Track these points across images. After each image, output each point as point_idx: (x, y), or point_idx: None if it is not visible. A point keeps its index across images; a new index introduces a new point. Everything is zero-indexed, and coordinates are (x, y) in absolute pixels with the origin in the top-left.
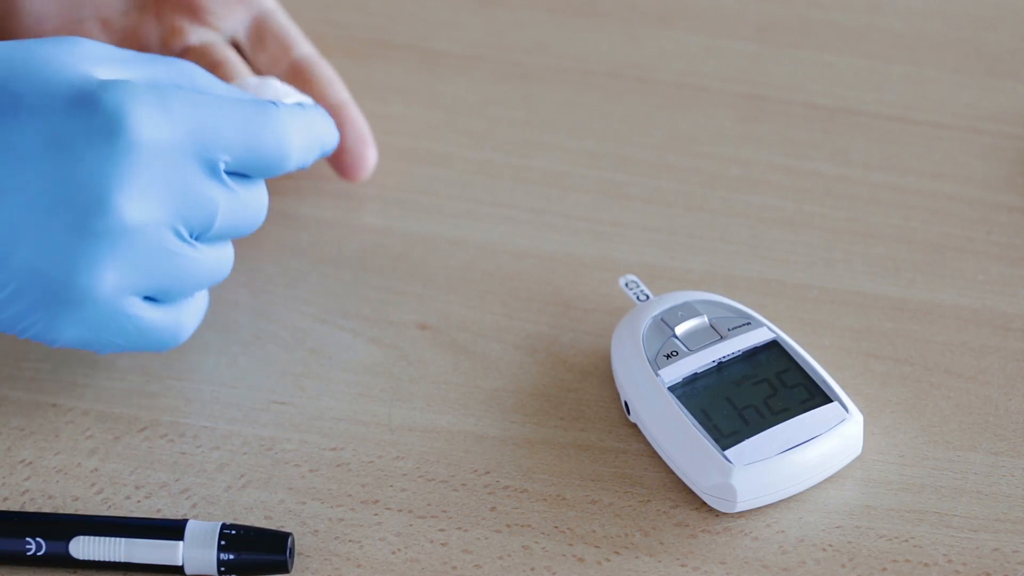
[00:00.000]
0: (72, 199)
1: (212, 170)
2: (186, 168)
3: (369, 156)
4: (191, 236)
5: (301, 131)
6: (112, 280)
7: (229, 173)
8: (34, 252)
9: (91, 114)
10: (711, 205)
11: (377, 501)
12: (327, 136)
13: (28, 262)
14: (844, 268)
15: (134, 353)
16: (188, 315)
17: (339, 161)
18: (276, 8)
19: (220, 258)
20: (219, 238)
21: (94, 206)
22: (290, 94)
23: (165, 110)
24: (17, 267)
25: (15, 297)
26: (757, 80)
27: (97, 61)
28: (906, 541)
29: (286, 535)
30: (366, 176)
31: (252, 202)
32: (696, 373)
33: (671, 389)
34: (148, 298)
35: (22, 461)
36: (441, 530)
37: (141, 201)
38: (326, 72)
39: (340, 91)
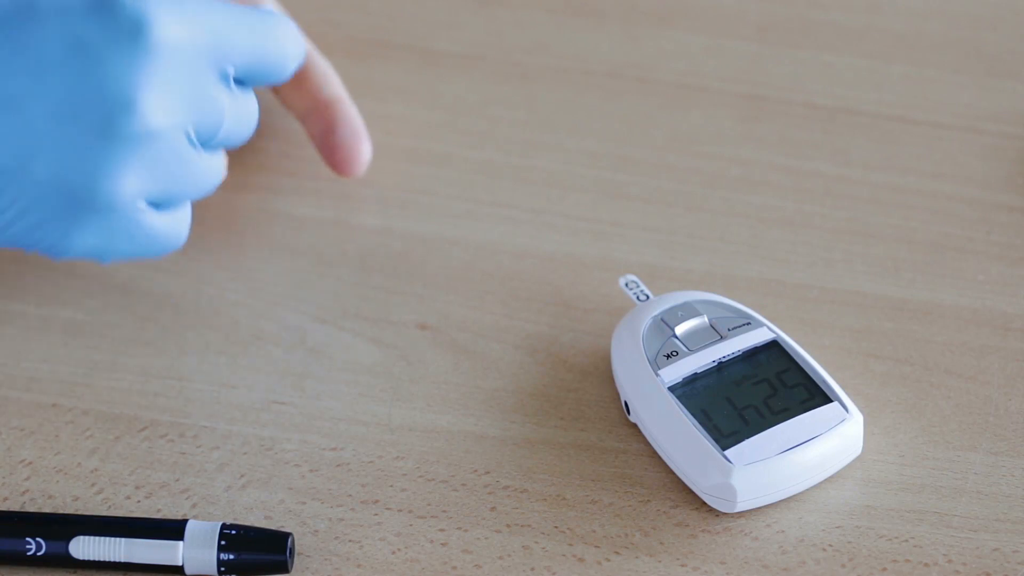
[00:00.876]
0: (96, 102)
1: (223, 75)
2: (201, 72)
3: (363, 151)
4: (199, 141)
5: (296, 43)
6: (132, 184)
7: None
8: (54, 160)
9: (112, 16)
10: (711, 205)
11: (377, 501)
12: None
13: (47, 171)
14: (844, 268)
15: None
16: (184, 220)
17: (333, 156)
18: (272, 5)
19: (216, 166)
20: (218, 145)
21: (119, 108)
22: None
23: (183, 13)
24: (35, 178)
25: (29, 209)
26: (757, 80)
27: None
28: (906, 541)
29: (286, 535)
30: (360, 171)
31: (249, 110)
32: (696, 373)
33: (671, 389)
34: (152, 204)
35: (22, 461)
36: (441, 530)
37: (163, 103)
38: (321, 67)
39: (335, 86)
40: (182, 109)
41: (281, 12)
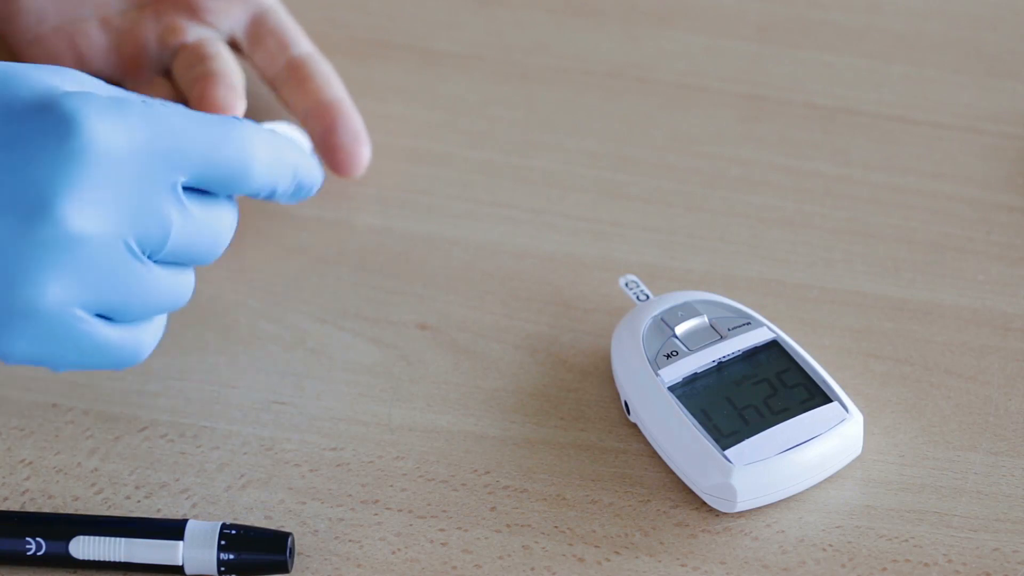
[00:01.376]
0: (17, 203)
1: (168, 185)
2: (141, 180)
3: (363, 153)
4: (145, 254)
5: (266, 149)
6: (57, 292)
7: (190, 190)
8: None
9: (47, 118)
10: (711, 205)
11: (377, 501)
12: (304, 168)
13: None
14: (844, 268)
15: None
16: (146, 335)
17: (332, 157)
18: (276, 5)
19: (177, 283)
20: (176, 260)
21: (38, 211)
22: (287, 130)
23: (123, 119)
24: None
25: None
26: (757, 80)
27: (75, 84)
28: (906, 541)
29: (286, 535)
30: (359, 173)
31: (211, 223)
32: (696, 373)
33: (671, 389)
34: (104, 316)
35: (22, 461)
36: (441, 530)
37: (89, 210)
38: (323, 69)
39: (336, 88)
40: (114, 217)
41: (244, 121)
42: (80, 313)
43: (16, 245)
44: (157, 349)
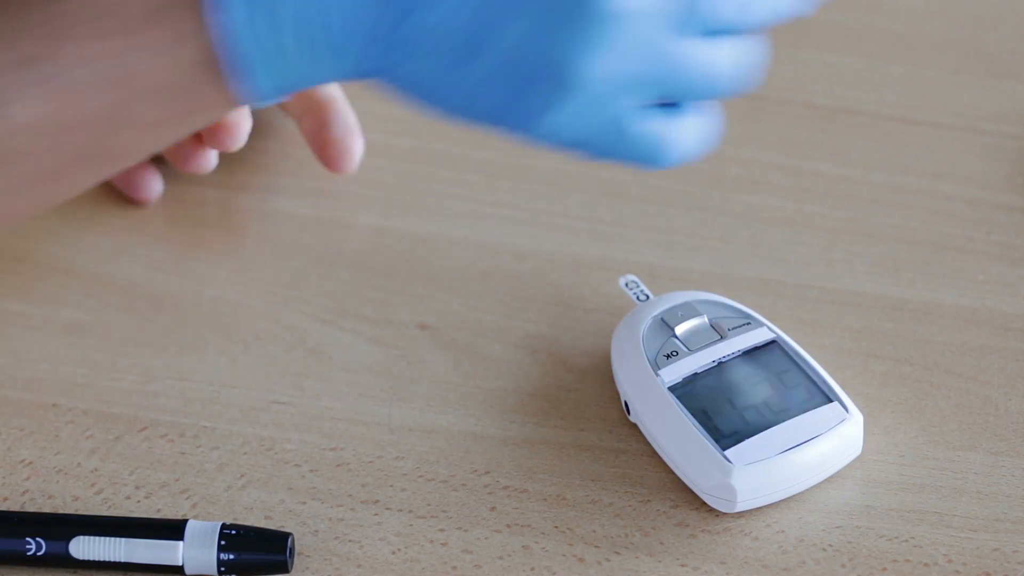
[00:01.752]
0: None
1: None
2: None
3: (355, 147)
4: (690, 30)
5: None
6: (599, 70)
7: None
8: (523, 31)
9: None
10: (711, 205)
11: (377, 501)
12: None
13: (515, 41)
14: (844, 268)
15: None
16: (690, 131)
17: (325, 152)
18: (335, 91)
19: (740, 56)
20: (725, 31)
21: None
22: None
23: None
24: (503, 47)
25: (498, 79)
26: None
27: None
28: (906, 541)
29: (286, 535)
30: (352, 167)
31: None
32: (696, 373)
33: (671, 389)
34: (654, 105)
35: (22, 461)
36: (441, 530)
37: None
38: None
39: (331, 87)
40: None
41: None
42: (623, 97)
43: (557, 23)
44: (157, 349)
